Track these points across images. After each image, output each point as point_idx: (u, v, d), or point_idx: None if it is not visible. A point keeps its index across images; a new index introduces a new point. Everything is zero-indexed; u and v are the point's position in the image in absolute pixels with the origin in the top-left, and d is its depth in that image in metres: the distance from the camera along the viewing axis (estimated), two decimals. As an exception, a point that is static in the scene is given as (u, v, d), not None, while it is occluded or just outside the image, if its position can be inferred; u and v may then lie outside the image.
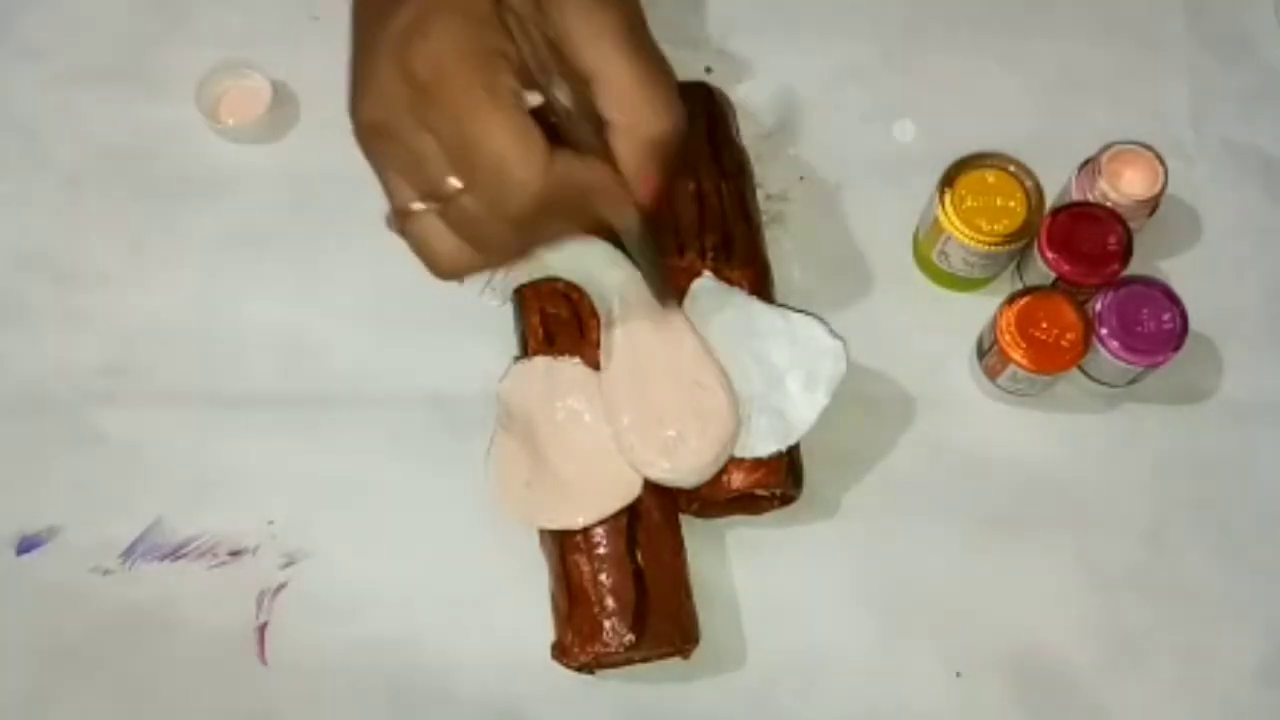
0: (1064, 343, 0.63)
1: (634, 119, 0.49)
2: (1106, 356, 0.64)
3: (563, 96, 0.47)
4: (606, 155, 0.49)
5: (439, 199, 0.48)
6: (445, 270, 0.51)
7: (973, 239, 0.65)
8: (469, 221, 0.48)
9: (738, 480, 0.61)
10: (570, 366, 0.62)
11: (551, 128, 0.48)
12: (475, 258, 0.50)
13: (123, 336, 0.68)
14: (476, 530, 0.63)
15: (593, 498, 0.60)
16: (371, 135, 0.49)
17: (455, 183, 0.47)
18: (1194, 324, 0.64)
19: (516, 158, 0.46)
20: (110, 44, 0.73)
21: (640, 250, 0.56)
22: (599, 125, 0.49)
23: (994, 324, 0.65)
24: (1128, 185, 0.66)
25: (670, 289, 0.60)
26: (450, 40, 0.46)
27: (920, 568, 0.64)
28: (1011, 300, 0.64)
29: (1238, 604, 0.64)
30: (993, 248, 0.65)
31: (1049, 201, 0.66)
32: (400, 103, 0.47)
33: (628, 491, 0.60)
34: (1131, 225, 0.65)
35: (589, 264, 0.62)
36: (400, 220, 0.50)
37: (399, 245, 0.69)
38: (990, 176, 0.65)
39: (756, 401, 0.61)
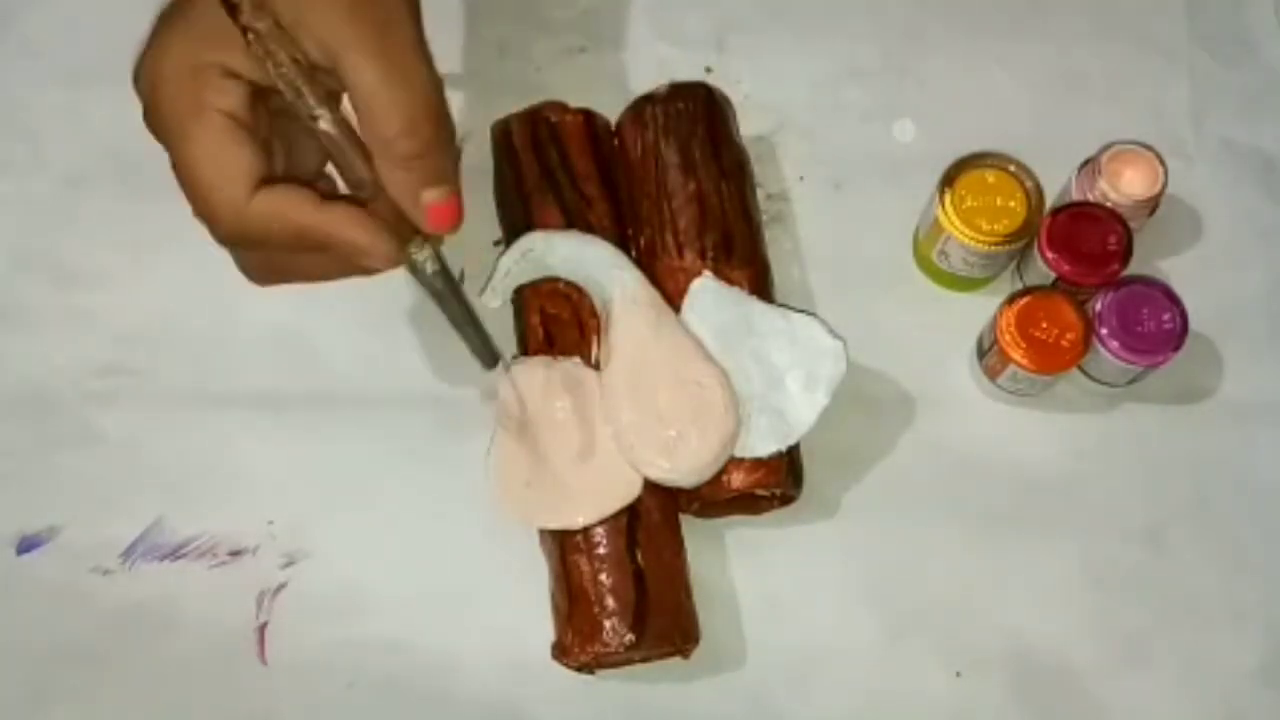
0: (1064, 343, 0.63)
1: (386, 138, 0.45)
2: (1106, 356, 0.64)
3: (323, 123, 0.44)
4: (378, 189, 0.46)
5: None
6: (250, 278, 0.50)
7: (973, 239, 0.65)
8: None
9: (738, 480, 0.61)
10: (570, 366, 0.62)
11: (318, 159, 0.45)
12: (251, 274, 0.50)
13: (123, 336, 0.68)
14: (476, 530, 0.63)
15: (593, 498, 0.60)
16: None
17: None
18: (1194, 324, 0.64)
19: (210, 188, 0.44)
20: (110, 44, 0.72)
21: (445, 301, 0.51)
22: (366, 152, 0.45)
23: (994, 324, 0.65)
24: (1128, 185, 0.66)
25: (494, 349, 0.55)
26: (171, 55, 0.44)
27: (920, 568, 0.64)
28: (1011, 300, 0.64)
29: (1238, 604, 0.64)
30: (993, 248, 0.65)
31: (1049, 201, 0.66)
32: (142, 114, 0.47)
33: (628, 491, 0.60)
34: (1131, 225, 0.65)
35: (589, 264, 0.62)
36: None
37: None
38: (990, 176, 0.65)
39: (756, 401, 0.61)
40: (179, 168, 0.45)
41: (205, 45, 0.44)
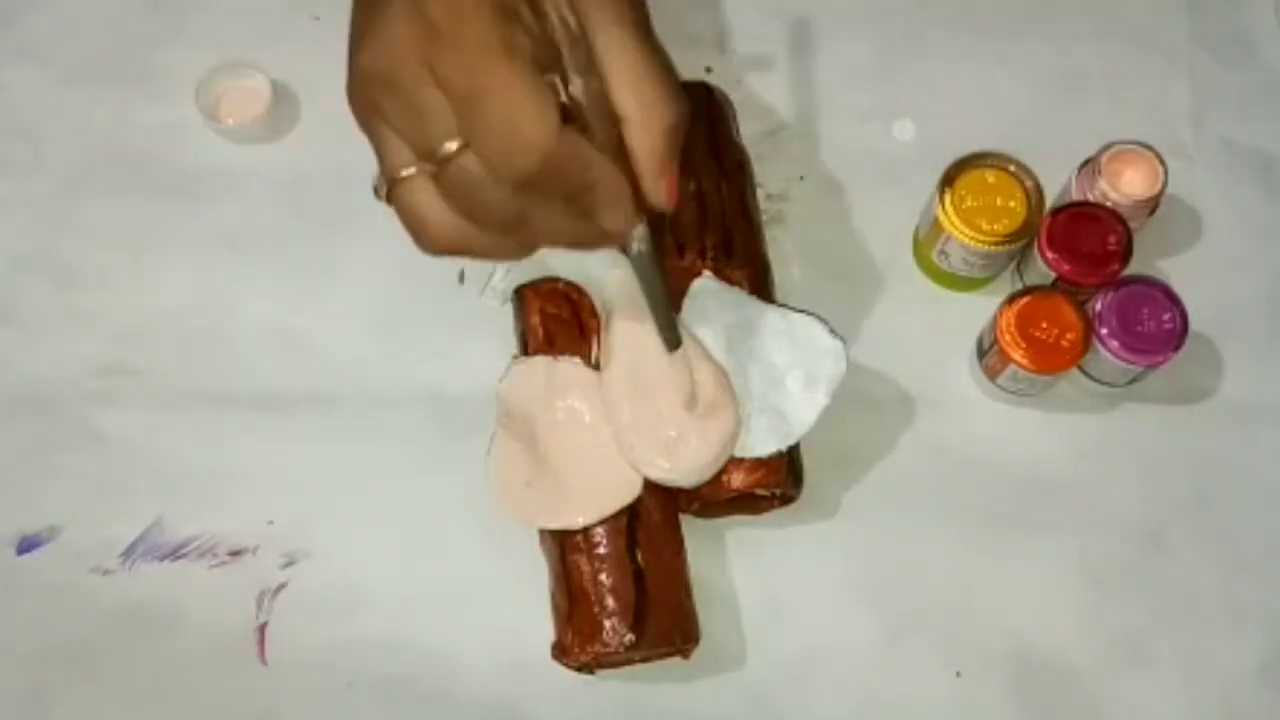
0: (1064, 343, 0.63)
1: (650, 110, 0.47)
2: (1106, 356, 0.64)
3: (578, 84, 0.45)
4: (620, 158, 0.47)
5: (437, 160, 0.45)
6: (434, 241, 0.48)
7: (973, 239, 0.65)
8: (466, 185, 0.45)
9: (738, 480, 0.61)
10: (570, 366, 0.62)
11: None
12: (467, 232, 0.47)
13: (123, 336, 0.68)
14: (476, 530, 0.63)
15: (593, 498, 0.60)
16: (372, 85, 0.46)
17: (455, 144, 0.45)
18: (1194, 324, 0.64)
19: (529, 115, 0.43)
20: (110, 44, 0.73)
21: (647, 278, 0.53)
22: (612, 121, 0.47)
23: (994, 324, 0.65)
24: (1128, 185, 0.66)
25: (677, 330, 0.56)
26: None
27: (920, 568, 0.64)
28: (1011, 300, 0.64)
29: (1238, 604, 0.64)
30: (993, 248, 0.65)
31: (1049, 201, 0.66)
32: (409, 49, 0.44)
33: (628, 491, 0.60)
34: (1131, 225, 0.65)
35: (589, 264, 0.62)
36: (391, 186, 0.48)
37: (397, 247, 0.69)
38: (990, 176, 0.65)
39: (756, 401, 0.61)
40: (490, 101, 0.43)
41: None
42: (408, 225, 0.48)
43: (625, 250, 0.51)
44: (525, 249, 0.49)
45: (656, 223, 0.53)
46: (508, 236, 0.48)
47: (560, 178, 0.45)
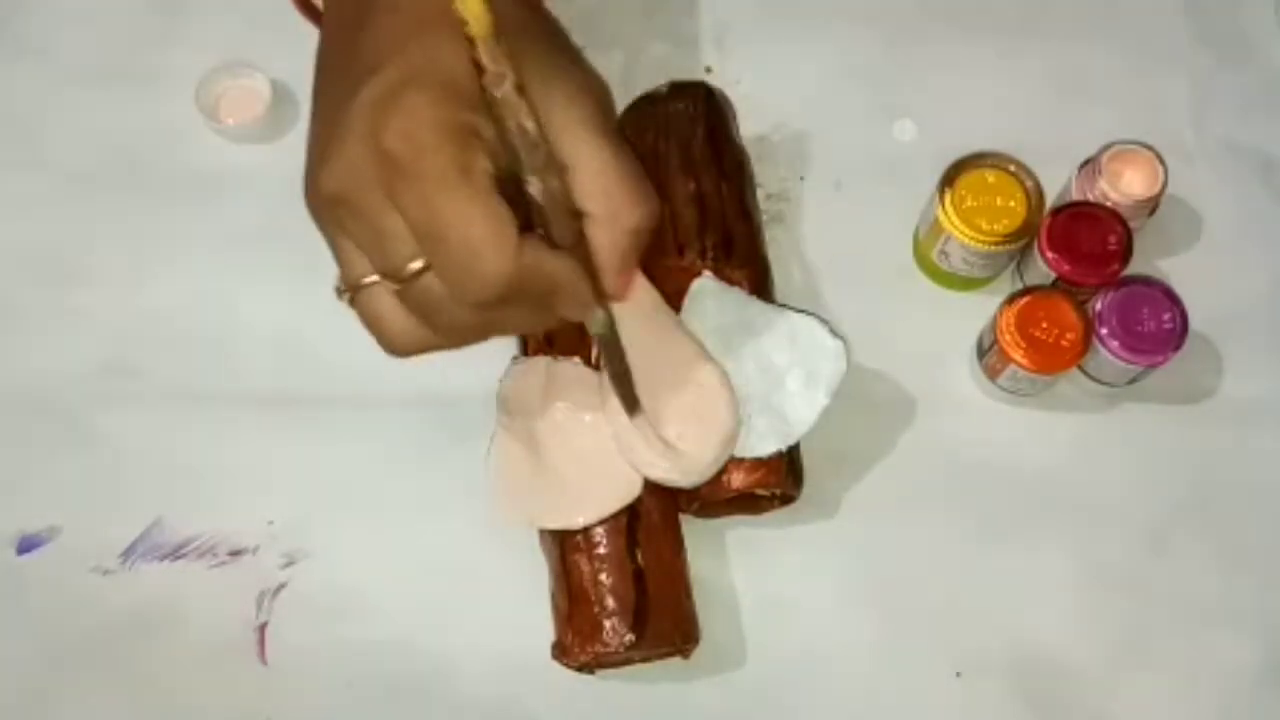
0: (1064, 343, 0.63)
1: (614, 209, 0.47)
2: (1107, 356, 0.64)
3: (539, 184, 0.45)
4: (580, 248, 0.47)
5: (398, 278, 0.46)
6: (397, 347, 0.49)
7: (973, 239, 0.65)
8: (428, 303, 0.46)
9: (738, 480, 0.61)
10: (570, 366, 0.62)
11: (519, 215, 0.46)
12: (430, 338, 0.48)
13: (123, 336, 0.68)
14: (476, 530, 0.63)
15: (593, 498, 0.60)
16: (331, 205, 0.46)
17: (417, 264, 0.45)
18: (1194, 324, 0.64)
19: (487, 243, 0.44)
20: (110, 44, 0.73)
21: (609, 354, 0.55)
22: (574, 216, 0.47)
23: (994, 324, 0.65)
24: (1128, 185, 0.66)
25: (635, 398, 0.58)
26: (428, 115, 0.44)
27: (920, 567, 0.64)
28: (1011, 300, 0.64)
29: (1238, 604, 0.64)
30: (993, 247, 0.65)
31: (1049, 201, 0.66)
32: (367, 176, 0.45)
33: (628, 491, 0.60)
34: (1131, 225, 0.65)
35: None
36: (352, 293, 0.48)
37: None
38: (990, 176, 0.65)
39: (756, 401, 0.61)
40: (449, 233, 0.44)
41: (464, 107, 0.44)
42: (370, 330, 0.49)
43: (593, 333, 0.52)
44: (485, 339, 0.49)
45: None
46: (468, 340, 0.49)
47: (521, 292, 0.45)
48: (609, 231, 0.48)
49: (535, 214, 0.46)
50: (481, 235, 0.44)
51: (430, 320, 0.47)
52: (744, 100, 0.71)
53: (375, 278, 0.47)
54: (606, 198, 0.47)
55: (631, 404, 0.58)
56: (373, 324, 0.48)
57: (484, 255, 0.44)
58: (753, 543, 0.64)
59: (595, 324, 0.52)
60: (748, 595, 0.64)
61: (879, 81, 0.74)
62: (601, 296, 0.50)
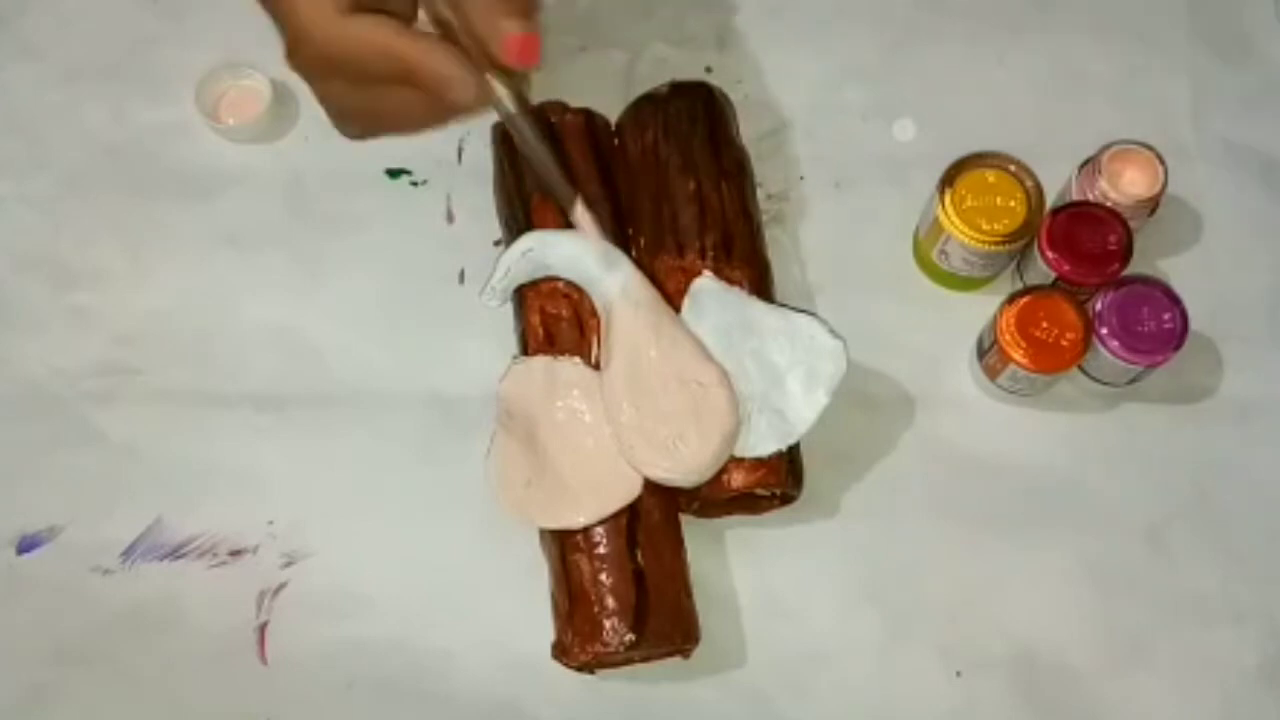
0: (1064, 342, 0.63)
1: None
2: (1107, 356, 0.64)
3: None
4: (463, 23, 0.48)
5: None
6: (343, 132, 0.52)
7: (973, 239, 0.65)
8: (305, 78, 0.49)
9: (738, 480, 0.61)
10: (570, 366, 0.62)
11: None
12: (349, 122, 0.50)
13: (123, 336, 0.68)
14: (476, 530, 0.63)
15: (593, 498, 0.60)
16: None
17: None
18: (1194, 324, 0.64)
19: (306, 3, 0.46)
20: (110, 44, 0.73)
21: (528, 139, 0.54)
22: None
23: (994, 324, 0.65)
24: (1128, 185, 0.66)
25: (570, 186, 0.58)
26: None
27: (920, 567, 0.64)
28: (1011, 300, 0.64)
29: (1238, 604, 0.64)
30: (993, 247, 0.65)
31: (1049, 201, 0.66)
32: None
33: (628, 491, 0.60)
34: (1131, 225, 0.65)
35: (589, 264, 0.62)
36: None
37: (397, 247, 0.70)
38: (990, 176, 0.65)
39: (756, 401, 0.61)
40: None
41: None
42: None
43: (496, 107, 0.52)
44: (413, 126, 0.51)
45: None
46: (368, 123, 0.51)
47: (360, 63, 0.47)
48: None
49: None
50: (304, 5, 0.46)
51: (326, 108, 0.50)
52: (744, 100, 0.71)
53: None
54: None
55: (566, 195, 0.58)
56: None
57: (302, 15, 0.47)
58: (753, 543, 0.64)
59: (502, 100, 0.51)
60: (748, 595, 0.64)
61: (879, 81, 0.74)
62: (499, 67, 0.50)
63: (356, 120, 0.51)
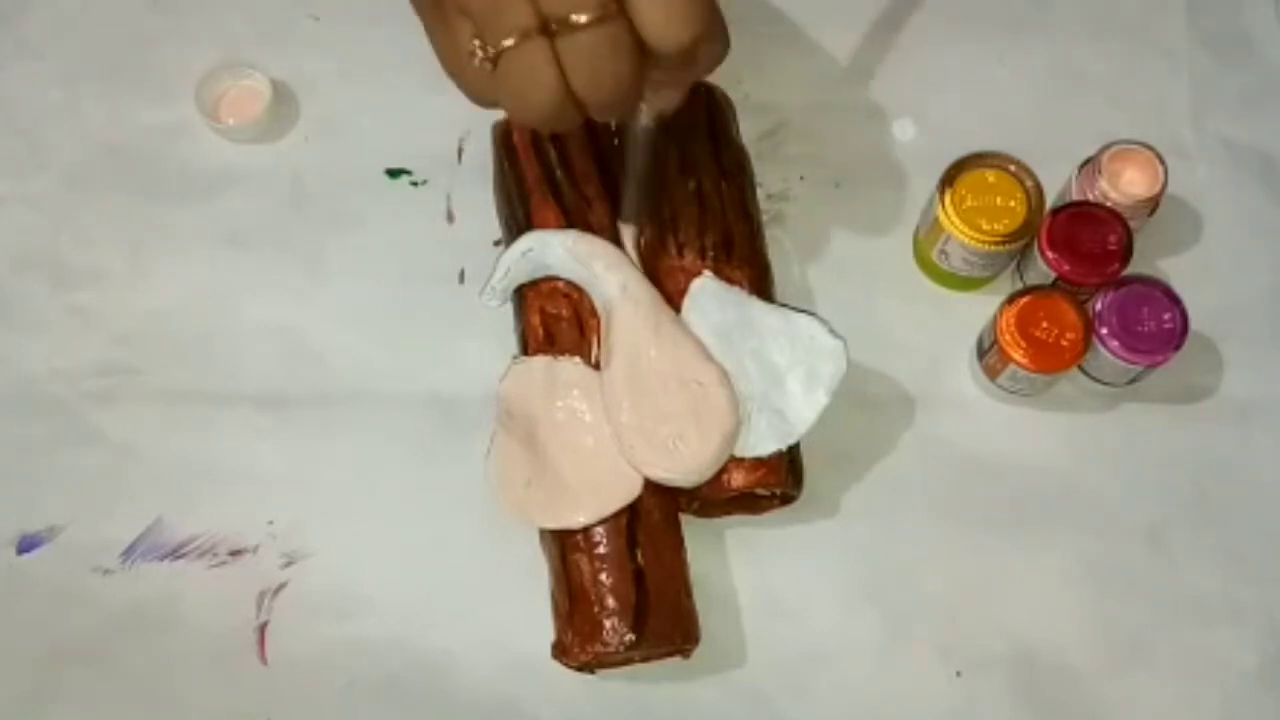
0: (1064, 342, 0.63)
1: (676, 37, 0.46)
2: (1107, 356, 0.64)
3: None
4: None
5: (566, 25, 0.44)
6: (543, 106, 0.46)
7: (973, 239, 0.65)
8: (595, 54, 0.44)
9: (738, 480, 0.61)
10: (570, 366, 0.62)
11: None
12: (571, 97, 0.46)
13: (123, 336, 0.68)
14: (476, 530, 0.63)
15: (593, 497, 0.60)
16: None
17: (584, 16, 0.44)
18: (1194, 324, 0.64)
19: None
20: (110, 44, 0.73)
21: (644, 156, 0.56)
22: None
23: (994, 324, 0.65)
24: (1128, 184, 0.66)
25: (639, 212, 0.60)
26: None
27: (920, 567, 0.64)
28: (1011, 300, 0.64)
29: (1237, 604, 0.64)
30: (993, 247, 0.65)
31: (1049, 201, 0.66)
32: None
33: (628, 491, 0.60)
34: (1131, 225, 0.65)
35: (589, 264, 0.62)
36: (498, 51, 0.46)
37: (396, 246, 0.69)
38: (990, 176, 0.65)
39: (756, 401, 0.61)
40: None
41: None
42: (517, 89, 0.46)
43: (634, 124, 0.54)
44: (622, 109, 0.49)
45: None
46: (616, 102, 0.48)
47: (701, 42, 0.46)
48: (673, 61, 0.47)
49: None
50: None
51: (590, 73, 0.45)
52: (744, 100, 0.71)
53: (513, 40, 0.45)
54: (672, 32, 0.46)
55: (630, 212, 0.60)
56: (526, 79, 0.46)
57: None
58: (753, 543, 0.64)
59: (640, 117, 0.53)
60: (748, 595, 0.64)
61: (879, 81, 0.74)
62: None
63: (609, 97, 0.47)
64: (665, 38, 0.45)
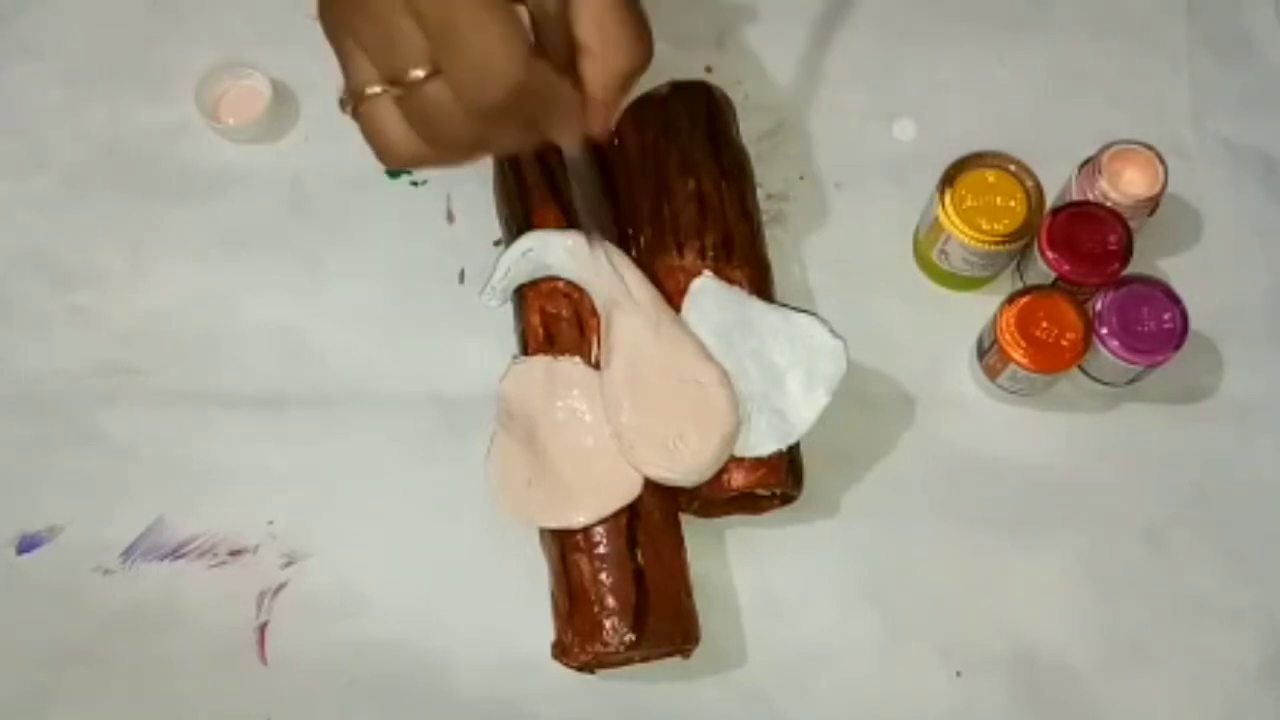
0: (1064, 342, 0.63)
1: (609, 46, 0.48)
2: (1107, 356, 0.64)
3: (548, 4, 0.47)
4: (573, 77, 0.49)
5: (402, 84, 0.46)
6: (394, 158, 0.49)
7: (973, 238, 0.65)
8: (430, 111, 0.47)
9: (738, 480, 0.61)
10: (570, 366, 0.62)
11: None
12: (424, 150, 0.49)
13: (123, 336, 0.68)
14: (476, 530, 0.63)
15: (593, 497, 0.60)
16: (343, 7, 0.47)
17: (422, 71, 0.46)
18: (1194, 324, 0.63)
19: (501, 50, 0.45)
20: (110, 44, 0.73)
21: (581, 181, 0.56)
22: (572, 45, 0.48)
23: (994, 323, 0.65)
24: (1128, 184, 0.66)
25: (598, 229, 0.60)
26: None
27: (920, 567, 0.64)
28: (1011, 300, 0.64)
29: (1238, 604, 0.64)
30: (993, 247, 0.65)
31: (1049, 201, 0.66)
32: None
33: (628, 491, 0.60)
34: (1131, 225, 0.65)
35: (591, 264, 0.62)
36: (355, 102, 0.49)
37: (396, 246, 0.70)
38: (990, 176, 0.65)
39: (756, 401, 0.61)
40: (463, 36, 0.45)
41: None
42: (370, 141, 0.49)
43: (565, 151, 0.53)
44: (475, 159, 0.50)
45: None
46: (462, 154, 0.50)
47: (524, 106, 0.46)
48: (602, 69, 0.48)
49: (535, 30, 0.47)
50: (497, 40, 0.45)
51: (429, 130, 0.48)
52: (744, 100, 0.71)
53: (378, 89, 0.47)
54: (602, 32, 0.48)
55: (592, 235, 0.60)
56: (373, 133, 0.49)
57: (497, 61, 0.45)
58: (753, 543, 0.64)
59: (571, 150, 0.53)
60: (748, 595, 0.64)
61: (879, 81, 0.74)
62: (581, 124, 0.50)
63: (453, 151, 0.50)
64: (477, 98, 0.46)
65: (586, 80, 0.49)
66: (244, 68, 0.71)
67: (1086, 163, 0.67)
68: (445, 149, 0.49)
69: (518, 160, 0.65)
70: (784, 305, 0.64)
